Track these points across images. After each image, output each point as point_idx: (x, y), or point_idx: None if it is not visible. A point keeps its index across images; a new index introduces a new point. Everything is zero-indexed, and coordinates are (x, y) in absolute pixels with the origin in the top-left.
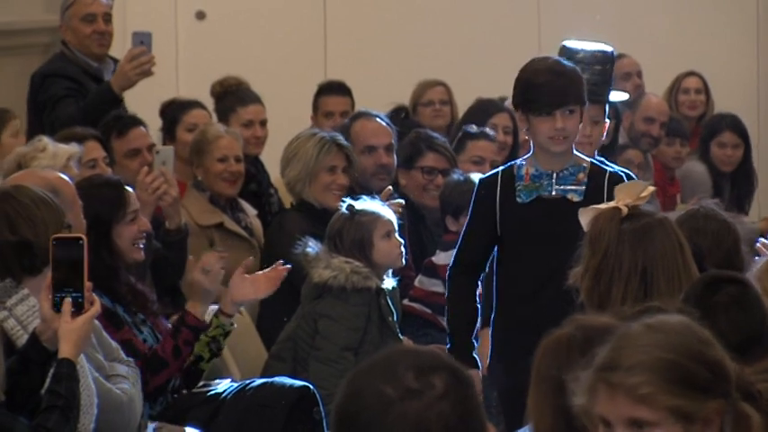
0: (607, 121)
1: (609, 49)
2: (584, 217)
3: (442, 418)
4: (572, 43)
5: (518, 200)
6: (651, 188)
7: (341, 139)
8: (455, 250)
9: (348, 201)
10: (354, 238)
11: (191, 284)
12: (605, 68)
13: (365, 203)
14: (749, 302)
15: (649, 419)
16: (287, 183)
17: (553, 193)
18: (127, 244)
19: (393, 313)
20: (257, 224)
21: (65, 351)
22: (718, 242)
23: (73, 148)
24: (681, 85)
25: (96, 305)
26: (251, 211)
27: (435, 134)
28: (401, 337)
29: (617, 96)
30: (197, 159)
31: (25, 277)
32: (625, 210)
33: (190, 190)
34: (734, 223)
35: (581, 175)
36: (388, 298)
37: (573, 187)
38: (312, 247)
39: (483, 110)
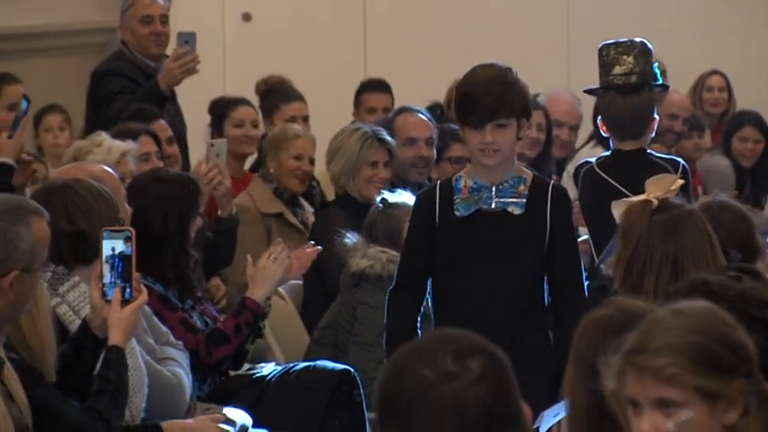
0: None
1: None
2: (617, 210)
3: (478, 400)
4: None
5: (456, 213)
6: (680, 181)
7: (383, 134)
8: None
9: (383, 193)
10: (387, 229)
11: (254, 271)
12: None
13: (398, 196)
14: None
15: (676, 399)
16: (331, 176)
17: (493, 205)
18: (193, 236)
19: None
20: (311, 219)
21: (114, 338)
22: (732, 230)
23: (128, 144)
24: (705, 83)
25: (144, 295)
26: (308, 208)
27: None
28: None
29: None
30: (272, 153)
31: (77, 266)
32: (656, 202)
33: (256, 179)
34: (748, 213)
35: (521, 188)
36: None
37: (513, 200)
38: (350, 238)
39: None
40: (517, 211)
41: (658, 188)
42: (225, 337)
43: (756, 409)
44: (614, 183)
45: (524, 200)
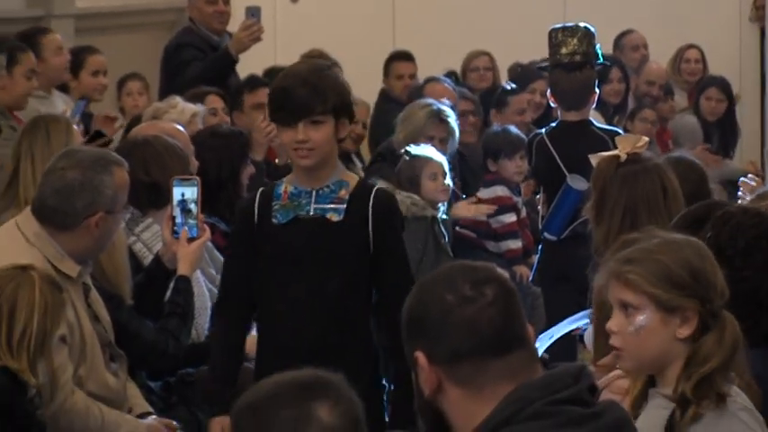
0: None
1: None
2: (593, 161)
3: (491, 321)
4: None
5: (274, 221)
6: (646, 139)
7: (447, 113)
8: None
9: (410, 147)
10: (408, 175)
11: None
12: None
13: (421, 149)
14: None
15: (633, 303)
16: (396, 140)
17: (311, 212)
18: (245, 182)
19: (445, 236)
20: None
21: (182, 269)
22: (684, 180)
23: (198, 107)
24: (683, 55)
25: (207, 233)
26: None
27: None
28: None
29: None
30: None
31: (151, 210)
32: (624, 156)
33: None
34: (700, 164)
35: (342, 192)
36: (441, 225)
37: (333, 206)
38: (380, 183)
39: (525, 75)
40: (336, 218)
41: (628, 144)
42: None
43: (713, 330)
44: (555, 154)
45: (344, 205)
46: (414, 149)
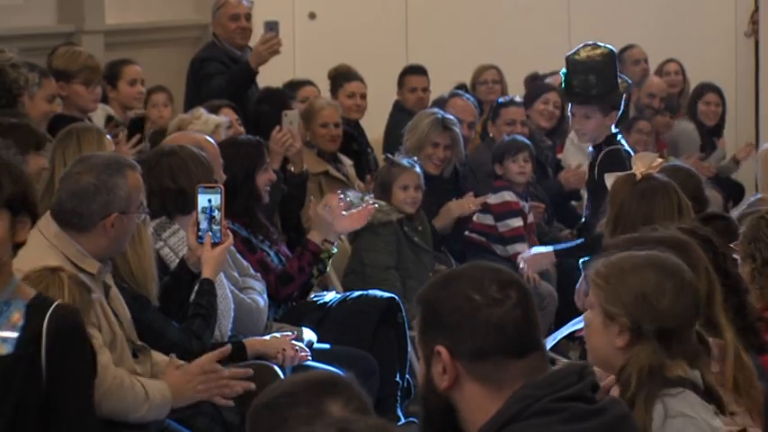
0: (616, 110)
1: (606, 51)
2: (609, 181)
3: (515, 322)
4: (573, 52)
5: None
6: (660, 159)
7: (450, 121)
8: None
9: (394, 155)
10: (382, 181)
11: (313, 218)
12: (588, 78)
13: (401, 158)
14: (731, 233)
15: (590, 299)
16: (404, 148)
17: None
18: (262, 187)
19: (417, 233)
20: (352, 172)
21: (206, 273)
22: (683, 186)
23: (221, 118)
24: (663, 68)
25: (230, 238)
26: (347, 161)
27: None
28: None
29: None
30: (306, 124)
31: (177, 216)
32: (639, 175)
33: (303, 147)
34: (696, 172)
35: (16, 316)
36: (409, 225)
37: (4, 334)
38: (351, 194)
39: (537, 87)
40: (4, 350)
41: (643, 164)
42: (290, 278)
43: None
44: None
45: (17, 334)
46: (395, 157)
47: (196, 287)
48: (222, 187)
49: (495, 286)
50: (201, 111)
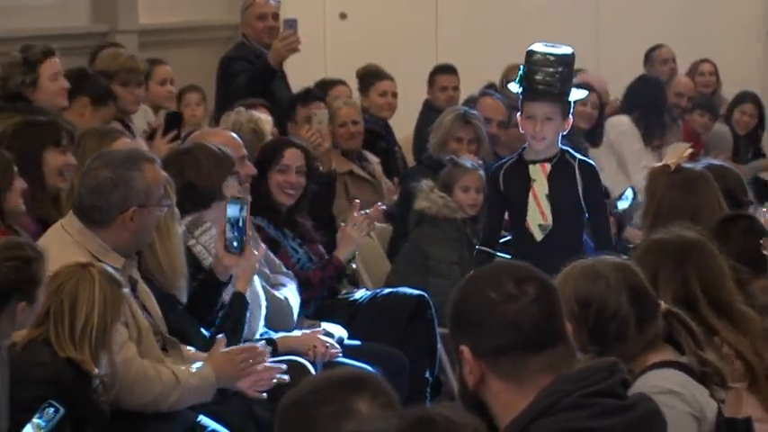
0: (570, 117)
1: (567, 51)
2: (641, 175)
3: (532, 318)
4: (536, 47)
5: None
6: (690, 150)
7: (473, 115)
8: None
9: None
10: (443, 181)
11: (342, 238)
12: (557, 71)
13: (467, 160)
14: (756, 231)
15: None
16: (430, 145)
17: None
18: (276, 189)
19: (478, 236)
20: (379, 170)
21: (239, 286)
22: (721, 177)
23: (268, 117)
24: (698, 68)
25: (261, 250)
26: (374, 159)
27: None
28: None
29: (576, 95)
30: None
31: (197, 210)
32: (672, 167)
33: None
34: (731, 168)
35: None
36: (468, 227)
37: None
38: (424, 182)
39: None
40: None
41: (674, 155)
42: (311, 286)
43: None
44: None
45: None
46: (457, 159)
47: (228, 298)
48: (248, 199)
49: (512, 283)
50: (242, 109)
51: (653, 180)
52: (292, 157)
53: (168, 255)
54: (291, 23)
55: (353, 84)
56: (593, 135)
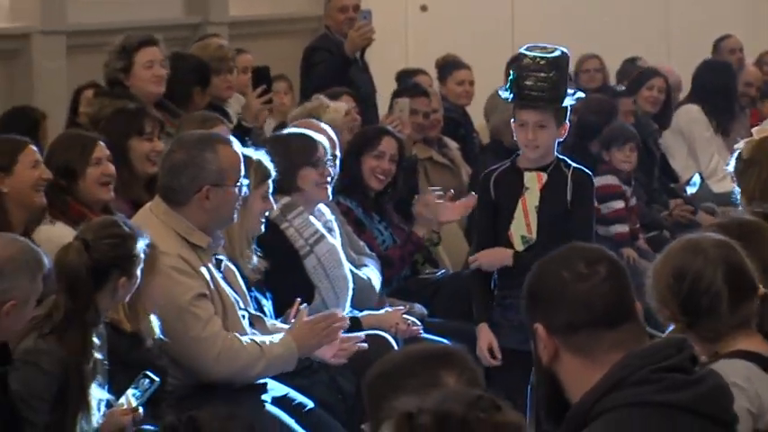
0: (567, 123)
1: (559, 54)
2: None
3: (603, 296)
4: (525, 49)
5: None
6: None
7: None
8: None
9: None
10: None
11: (416, 215)
12: (548, 75)
13: None
14: None
15: None
16: (491, 128)
17: None
18: (368, 173)
19: None
20: (458, 155)
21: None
22: None
23: (343, 105)
24: (765, 58)
25: (345, 321)
26: (453, 144)
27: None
28: None
29: (570, 100)
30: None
31: (279, 195)
32: None
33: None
34: None
35: None
36: None
37: None
38: None
39: (643, 74)
40: None
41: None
42: (392, 264)
43: None
44: None
45: None
46: None
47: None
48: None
49: (584, 263)
50: (323, 99)
51: (751, 152)
52: (388, 145)
53: (232, 229)
54: (366, 14)
55: (433, 73)
56: (662, 118)
